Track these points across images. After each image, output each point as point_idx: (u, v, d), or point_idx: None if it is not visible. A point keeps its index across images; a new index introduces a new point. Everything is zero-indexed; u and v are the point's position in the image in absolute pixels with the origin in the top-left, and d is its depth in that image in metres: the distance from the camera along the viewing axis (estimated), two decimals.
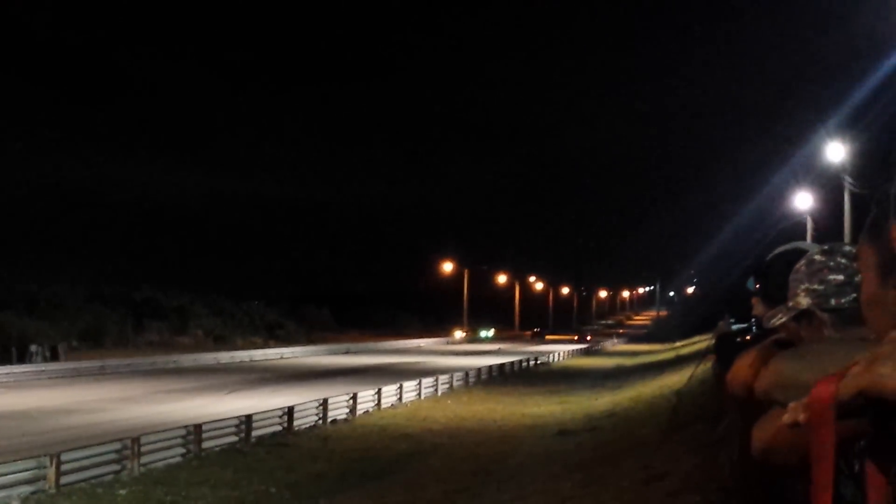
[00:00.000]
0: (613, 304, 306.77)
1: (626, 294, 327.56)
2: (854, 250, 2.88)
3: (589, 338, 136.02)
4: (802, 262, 2.94)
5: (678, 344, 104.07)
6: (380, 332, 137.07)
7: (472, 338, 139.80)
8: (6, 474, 22.92)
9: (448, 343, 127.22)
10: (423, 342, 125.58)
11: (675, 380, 47.85)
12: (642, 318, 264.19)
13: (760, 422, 2.49)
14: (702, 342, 71.72)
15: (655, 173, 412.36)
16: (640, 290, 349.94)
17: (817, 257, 2.90)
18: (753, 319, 4.68)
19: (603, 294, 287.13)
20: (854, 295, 2.78)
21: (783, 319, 2.92)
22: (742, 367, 3.13)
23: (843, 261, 2.85)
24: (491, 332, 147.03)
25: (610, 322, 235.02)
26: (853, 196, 40.54)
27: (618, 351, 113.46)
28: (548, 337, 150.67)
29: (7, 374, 59.05)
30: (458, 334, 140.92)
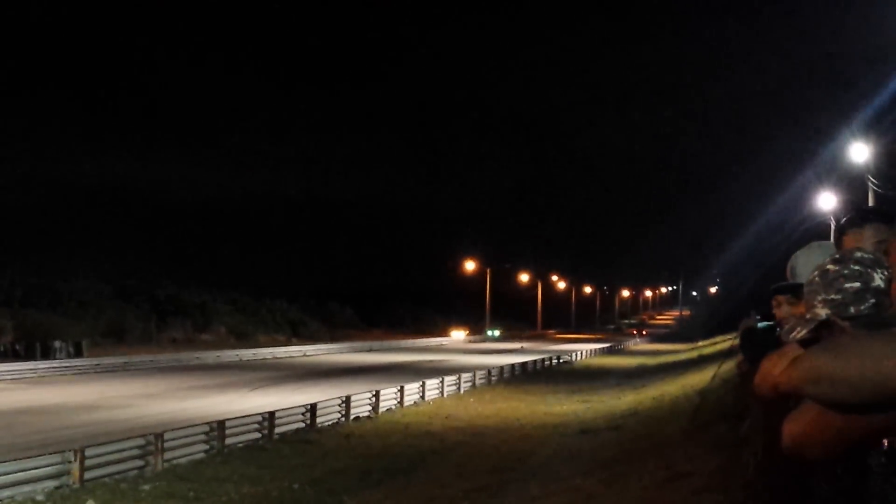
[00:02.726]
0: (636, 304, 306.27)
1: (648, 293, 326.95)
2: (867, 256, 2.89)
3: (644, 333, 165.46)
4: (815, 273, 2.93)
5: (701, 343, 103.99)
6: (402, 330, 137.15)
7: (482, 338, 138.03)
8: (31, 469, 23.05)
9: (463, 343, 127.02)
10: (445, 340, 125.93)
11: (698, 379, 47.86)
12: (665, 318, 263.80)
13: (791, 416, 2.51)
14: (725, 342, 71.65)
15: (678, 173, 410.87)
16: (663, 290, 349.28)
17: (830, 267, 2.89)
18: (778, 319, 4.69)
19: (626, 293, 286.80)
20: (873, 301, 2.79)
21: (803, 333, 2.92)
22: (769, 367, 3.15)
23: (857, 268, 2.84)
24: (497, 332, 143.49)
25: (633, 321, 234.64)
26: (877, 196, 40.45)
27: (640, 350, 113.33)
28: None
29: (31, 369, 59.38)
30: (457, 334, 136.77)
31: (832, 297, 2.85)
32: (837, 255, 2.94)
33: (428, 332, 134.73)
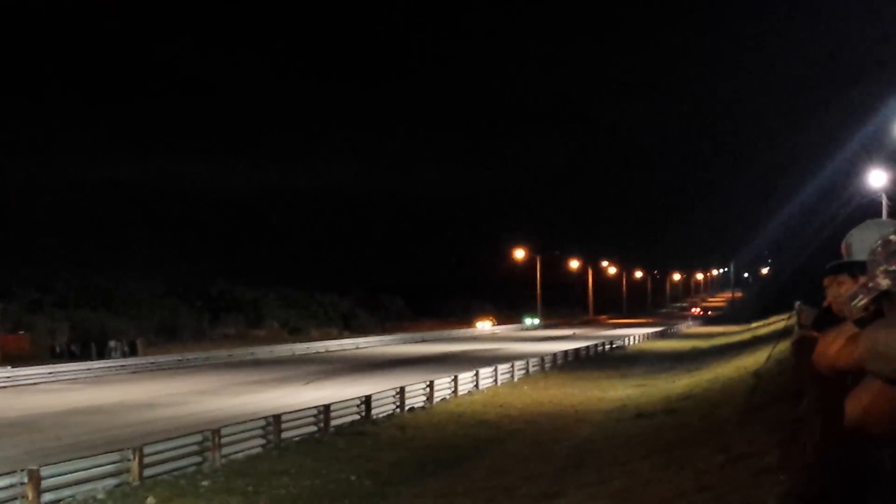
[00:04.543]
0: (687, 287, 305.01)
1: (699, 276, 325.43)
2: None
3: (710, 314, 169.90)
4: (879, 242, 2.92)
5: (754, 325, 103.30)
6: (454, 320, 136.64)
7: (521, 327, 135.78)
8: (91, 468, 23.26)
9: (514, 331, 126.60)
10: (499, 329, 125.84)
11: (752, 361, 47.56)
12: (717, 300, 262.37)
13: (853, 393, 2.50)
14: (779, 322, 71.11)
15: (727, 152, 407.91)
16: (714, 272, 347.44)
17: (893, 238, 2.87)
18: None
19: (676, 277, 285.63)
20: None
21: (864, 301, 2.91)
22: (826, 345, 3.14)
23: None
24: (537, 321, 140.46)
25: (684, 305, 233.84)
26: None
27: (693, 333, 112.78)
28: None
29: (88, 369, 59.83)
30: (482, 325, 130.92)
31: (893, 268, 2.84)
32: None
33: (455, 324, 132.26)
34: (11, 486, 21.19)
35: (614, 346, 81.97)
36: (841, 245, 4.51)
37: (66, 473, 22.52)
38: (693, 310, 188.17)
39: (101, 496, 22.53)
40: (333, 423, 33.57)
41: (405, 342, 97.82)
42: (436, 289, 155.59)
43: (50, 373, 56.44)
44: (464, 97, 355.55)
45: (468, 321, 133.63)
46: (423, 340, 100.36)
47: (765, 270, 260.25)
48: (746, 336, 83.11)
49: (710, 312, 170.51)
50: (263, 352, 77.02)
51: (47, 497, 21.64)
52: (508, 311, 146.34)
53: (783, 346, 34.95)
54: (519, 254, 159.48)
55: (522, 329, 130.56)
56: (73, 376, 56.78)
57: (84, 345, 73.82)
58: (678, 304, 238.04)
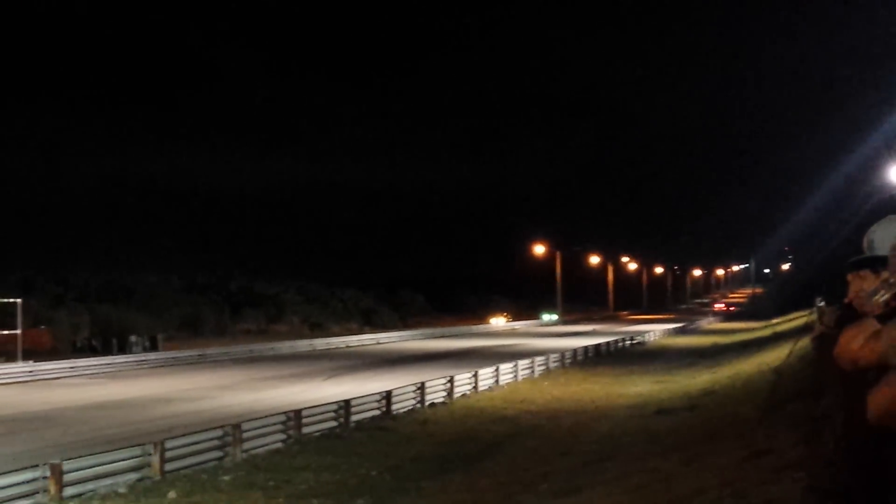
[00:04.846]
0: (708, 283, 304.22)
1: (720, 272, 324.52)
2: None
3: (733, 309, 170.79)
4: None
5: (775, 321, 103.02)
6: (472, 316, 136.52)
7: (539, 323, 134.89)
8: (112, 462, 23.33)
9: (534, 327, 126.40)
10: (518, 325, 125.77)
11: (774, 357, 47.43)
12: (738, 296, 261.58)
13: (877, 388, 2.50)
14: (800, 318, 70.94)
15: (748, 148, 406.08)
16: (735, 268, 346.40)
17: None
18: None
19: (697, 273, 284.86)
20: None
21: (886, 297, 2.91)
22: (847, 341, 3.14)
23: None
24: (555, 316, 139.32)
25: (704, 301, 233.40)
26: None
27: (714, 329, 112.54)
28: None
29: (109, 364, 60.01)
30: (496, 321, 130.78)
31: None
32: None
33: (471, 320, 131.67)
34: (34, 479, 21.30)
35: (634, 342, 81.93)
36: (862, 240, 4.51)
37: (87, 468, 22.60)
38: (716, 305, 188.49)
39: (122, 490, 22.60)
40: (354, 418, 33.60)
41: (425, 338, 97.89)
42: (456, 284, 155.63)
43: (71, 367, 56.68)
44: (484, 93, 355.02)
45: (484, 317, 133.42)
46: (443, 336, 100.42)
47: (785, 266, 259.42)
48: (767, 332, 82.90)
49: (732, 308, 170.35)
50: (284, 347, 77.11)
51: (69, 491, 21.72)
52: (528, 307, 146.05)
53: (804, 342, 34.86)
54: (539, 249, 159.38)
55: (541, 325, 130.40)
56: (94, 371, 56.97)
57: (105, 340, 74.12)
58: (698, 300, 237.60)
